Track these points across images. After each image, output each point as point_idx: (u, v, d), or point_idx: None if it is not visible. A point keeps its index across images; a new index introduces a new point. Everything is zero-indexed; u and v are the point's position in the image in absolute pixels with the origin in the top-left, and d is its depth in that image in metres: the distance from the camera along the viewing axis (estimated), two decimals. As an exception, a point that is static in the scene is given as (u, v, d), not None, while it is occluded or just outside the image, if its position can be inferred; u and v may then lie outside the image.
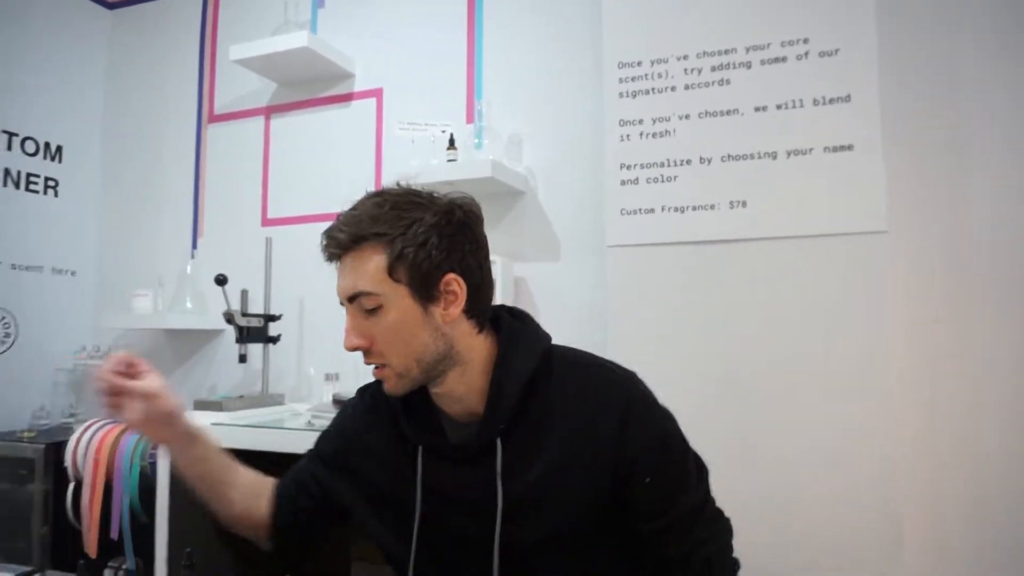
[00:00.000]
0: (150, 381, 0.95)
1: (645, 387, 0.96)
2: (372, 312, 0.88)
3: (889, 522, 1.45)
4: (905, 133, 1.57)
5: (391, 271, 0.86)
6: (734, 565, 0.96)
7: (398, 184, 0.94)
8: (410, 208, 0.88)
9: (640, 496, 0.90)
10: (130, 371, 0.96)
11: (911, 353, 1.52)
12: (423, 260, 0.86)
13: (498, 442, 0.91)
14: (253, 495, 1.06)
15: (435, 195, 0.92)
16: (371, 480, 1.01)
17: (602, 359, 0.99)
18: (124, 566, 2.14)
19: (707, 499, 0.96)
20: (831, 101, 1.61)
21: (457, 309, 0.90)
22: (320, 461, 1.08)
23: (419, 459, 0.96)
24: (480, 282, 0.92)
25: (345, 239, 0.87)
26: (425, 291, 0.88)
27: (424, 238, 0.86)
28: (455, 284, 0.89)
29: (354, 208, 0.90)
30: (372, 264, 0.87)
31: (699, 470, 0.96)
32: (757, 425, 1.58)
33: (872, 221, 1.53)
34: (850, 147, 1.58)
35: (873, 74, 1.57)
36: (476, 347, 0.93)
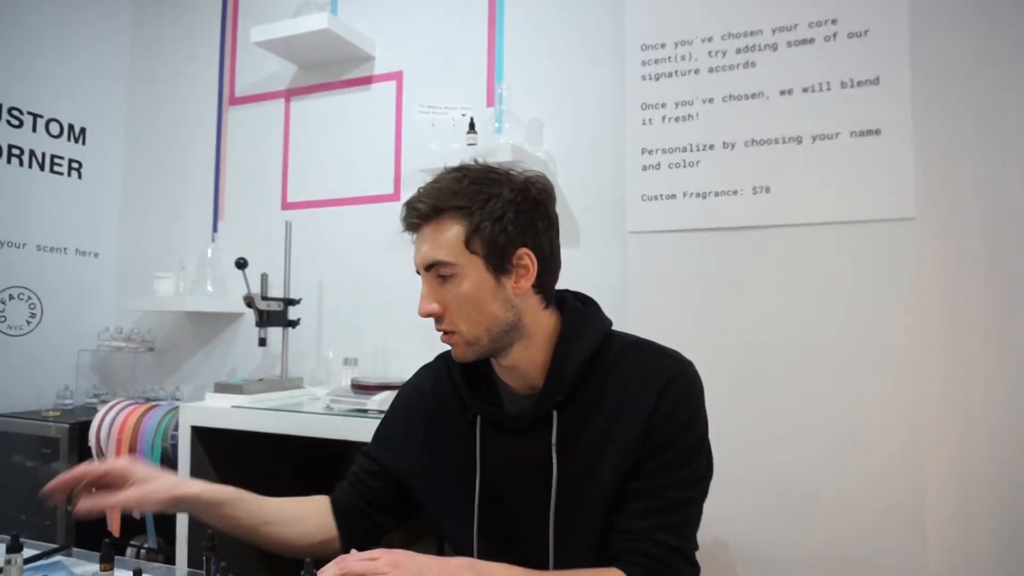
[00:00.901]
0: (128, 494, 0.95)
1: (696, 376, 0.98)
2: (447, 280, 0.92)
3: (912, 512, 1.43)
4: (936, 117, 1.52)
5: (468, 243, 0.90)
6: None
7: (475, 161, 0.97)
8: (489, 183, 0.92)
9: (642, 461, 0.92)
10: (106, 481, 0.96)
11: (940, 342, 1.49)
12: (499, 234, 0.91)
13: (554, 414, 0.95)
14: (298, 519, 1.06)
15: (512, 172, 0.96)
16: (430, 453, 1.05)
17: (664, 346, 1.01)
18: (146, 545, 2.18)
19: (684, 506, 0.92)
20: (859, 84, 1.57)
21: (527, 283, 0.94)
22: (382, 443, 1.11)
23: (477, 429, 1.00)
24: (549, 258, 0.97)
25: (425, 209, 0.91)
26: (499, 263, 0.92)
27: (500, 213, 0.91)
28: (527, 259, 0.93)
29: (436, 181, 0.94)
30: (450, 235, 0.91)
31: (693, 481, 0.94)
32: (779, 413, 1.56)
33: (900, 207, 1.50)
34: (877, 132, 1.54)
35: (904, 56, 1.53)
36: (541, 322, 0.97)
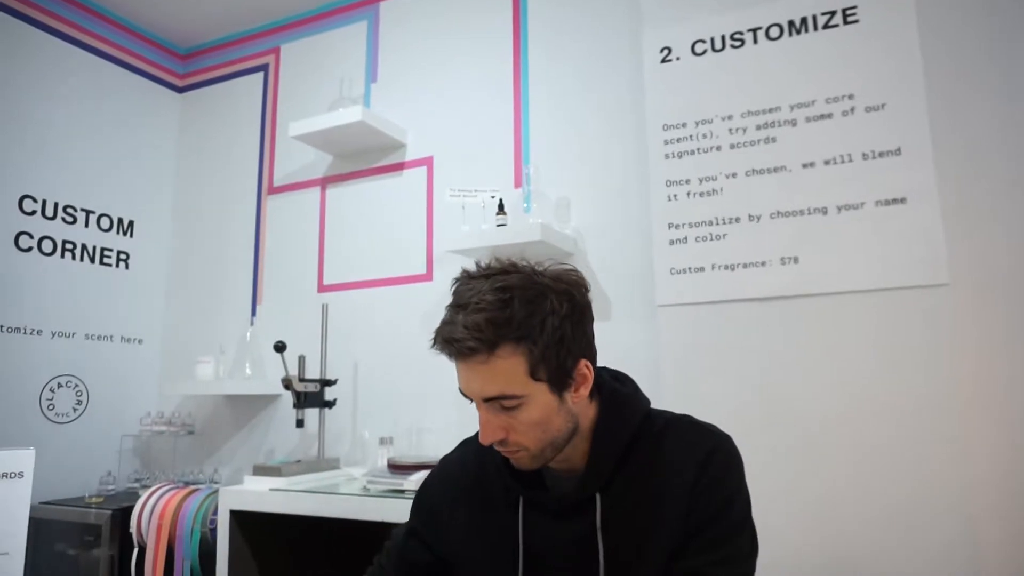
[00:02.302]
0: None
1: (735, 450, 0.97)
2: (510, 409, 0.89)
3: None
4: (962, 182, 1.54)
5: (532, 372, 0.87)
6: None
7: (498, 261, 0.92)
8: (537, 299, 0.88)
9: (687, 540, 0.90)
10: None
11: (980, 405, 1.45)
12: (562, 355, 0.88)
13: (597, 496, 0.94)
14: None
15: (546, 272, 0.92)
16: (471, 534, 1.04)
17: (701, 421, 1.01)
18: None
19: None
20: (881, 155, 1.60)
21: (587, 390, 0.94)
22: (423, 519, 1.11)
23: (520, 511, 0.99)
24: (595, 354, 0.96)
25: (479, 346, 0.85)
26: (562, 383, 0.90)
27: (560, 335, 0.88)
28: (584, 368, 0.92)
29: (475, 300, 0.86)
30: (513, 368, 0.86)
31: (737, 556, 0.92)
32: (820, 481, 1.52)
33: (933, 274, 1.50)
34: (903, 200, 1.56)
35: (924, 125, 1.56)
36: (588, 413, 0.97)
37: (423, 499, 1.13)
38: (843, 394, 1.54)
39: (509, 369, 0.86)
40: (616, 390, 1.00)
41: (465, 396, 0.92)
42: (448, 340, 0.87)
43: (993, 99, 1.58)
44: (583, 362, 0.92)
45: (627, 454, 0.95)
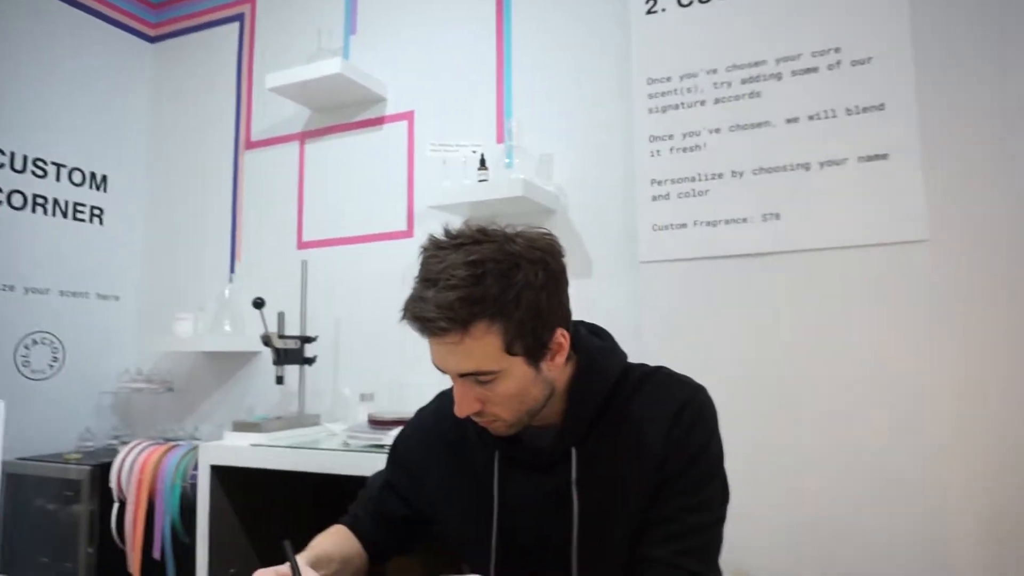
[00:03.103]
0: None
1: (709, 401, 0.97)
2: (485, 383, 0.87)
3: (938, 545, 1.41)
4: (944, 139, 1.53)
5: (508, 348, 0.85)
6: None
7: (469, 227, 0.88)
8: (511, 272, 0.83)
9: (660, 488, 0.91)
10: None
11: (962, 364, 1.47)
12: (538, 328, 0.86)
13: (573, 451, 0.94)
14: (359, 554, 1.07)
15: (519, 239, 0.87)
16: (448, 486, 1.04)
17: (676, 373, 1.01)
18: (166, 587, 2.17)
19: (702, 530, 0.92)
20: (865, 110, 1.59)
21: (563, 357, 0.92)
22: (398, 472, 1.11)
23: (496, 464, 0.99)
24: (571, 319, 0.94)
25: (451, 326, 0.82)
26: (539, 353, 0.88)
27: (536, 308, 0.85)
28: (560, 337, 0.90)
29: (445, 276, 0.82)
30: (487, 345, 0.84)
31: (709, 504, 0.93)
32: (794, 441, 1.55)
33: (912, 230, 1.50)
34: (885, 156, 1.56)
35: (909, 81, 1.55)
36: (564, 373, 0.96)
37: (399, 452, 1.13)
38: (822, 350, 1.56)
39: (483, 346, 0.84)
40: (593, 347, 0.99)
41: (439, 370, 0.90)
42: (418, 318, 0.84)
43: (980, 55, 1.56)
44: (559, 331, 0.90)
45: (603, 409, 0.95)
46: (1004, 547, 1.44)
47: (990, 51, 1.56)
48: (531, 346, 0.86)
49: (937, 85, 1.55)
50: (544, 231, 0.91)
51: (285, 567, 0.86)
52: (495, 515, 0.98)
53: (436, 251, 0.86)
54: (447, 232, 0.88)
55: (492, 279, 0.82)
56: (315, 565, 0.95)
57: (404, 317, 0.86)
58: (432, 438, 1.09)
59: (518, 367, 0.87)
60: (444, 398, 1.13)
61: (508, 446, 0.99)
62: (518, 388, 0.88)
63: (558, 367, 0.92)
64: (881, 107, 1.57)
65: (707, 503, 0.92)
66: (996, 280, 1.50)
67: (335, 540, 1.06)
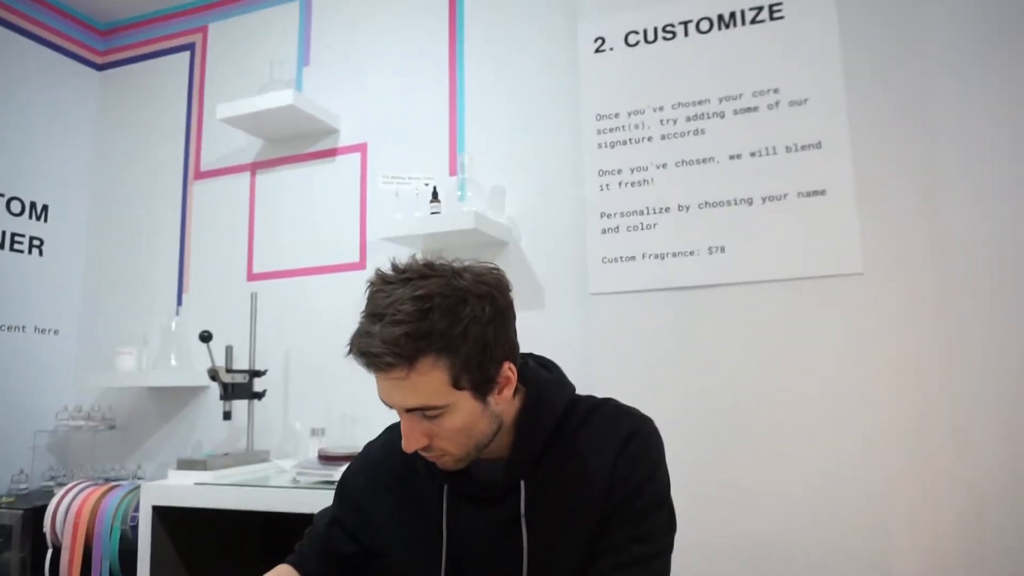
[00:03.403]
0: None
1: (655, 431, 0.98)
2: (432, 418, 0.87)
3: (878, 557, 1.45)
4: (878, 176, 1.61)
5: (455, 383, 0.84)
6: None
7: (416, 262, 0.88)
8: (458, 307, 0.83)
9: (607, 519, 0.91)
10: None
11: (892, 389, 1.53)
12: (485, 363, 0.86)
13: (522, 484, 0.94)
14: None
15: (465, 274, 0.87)
16: (396, 521, 1.03)
17: (623, 404, 1.02)
18: (103, 634, 2.07)
19: (649, 561, 0.92)
20: (803, 148, 1.65)
21: (510, 391, 0.92)
22: (345, 508, 1.09)
23: (444, 499, 0.98)
24: (518, 352, 0.94)
25: (398, 362, 0.81)
26: (486, 388, 0.88)
27: (483, 342, 0.85)
28: (508, 371, 0.90)
29: (391, 312, 0.82)
30: (434, 380, 0.83)
31: (656, 534, 0.94)
32: (742, 464, 1.58)
33: (847, 263, 1.56)
34: (823, 192, 1.62)
35: (842, 121, 1.62)
36: (512, 406, 0.96)
37: (346, 487, 1.11)
38: (765, 380, 1.60)
39: (430, 381, 0.83)
40: (541, 379, 1.00)
41: (386, 404, 0.89)
42: (364, 353, 0.83)
43: (909, 96, 1.65)
44: (506, 364, 0.90)
45: (551, 441, 0.96)
46: (948, 568, 1.48)
47: (920, 92, 1.65)
48: (478, 380, 0.86)
49: (870, 125, 1.63)
50: (492, 266, 0.92)
51: None
52: (444, 549, 0.97)
53: (383, 286, 0.86)
54: (394, 267, 0.88)
55: (439, 314, 0.82)
56: None
57: (350, 352, 0.85)
58: (381, 472, 1.08)
59: (465, 401, 0.87)
60: (392, 432, 1.12)
61: (457, 480, 0.98)
62: (465, 422, 0.88)
63: (506, 400, 0.92)
64: (818, 145, 1.64)
65: (653, 533, 0.93)
66: (925, 312, 1.56)
67: None
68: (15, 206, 2.68)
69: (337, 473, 1.72)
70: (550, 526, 0.93)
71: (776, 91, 1.70)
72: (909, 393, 1.53)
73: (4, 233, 2.63)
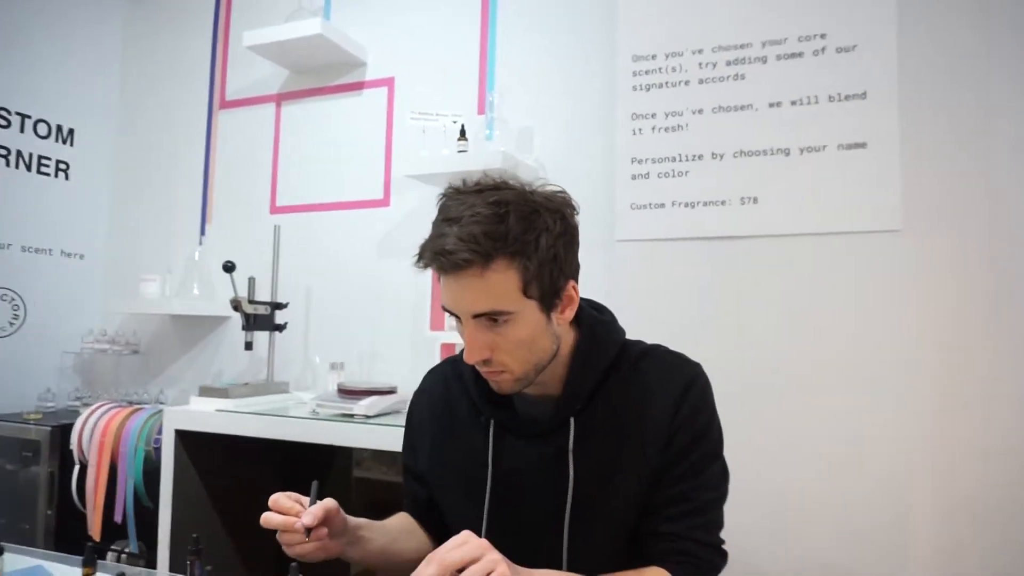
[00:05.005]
0: (310, 514, 0.87)
1: (708, 379, 0.99)
2: (498, 324, 0.87)
3: (898, 534, 1.45)
4: (922, 130, 1.54)
5: (525, 289, 0.85)
6: None
7: (488, 177, 0.90)
8: (531, 215, 0.86)
9: (668, 466, 0.93)
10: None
11: (925, 351, 1.50)
12: (555, 274, 0.87)
13: (571, 420, 0.95)
14: (410, 533, 1.08)
15: (541, 192, 0.90)
16: (440, 458, 1.05)
17: (672, 350, 1.02)
18: (127, 549, 2.15)
19: (713, 505, 0.96)
20: (847, 98, 1.59)
21: (572, 312, 0.93)
22: (407, 450, 1.13)
23: (490, 433, 0.99)
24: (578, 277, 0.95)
25: (474, 258, 0.83)
26: (551, 302, 0.89)
27: (553, 253, 0.86)
28: (572, 290, 0.92)
29: (468, 214, 0.84)
30: (506, 282, 0.84)
31: (718, 479, 0.97)
32: (766, 423, 1.57)
33: (886, 219, 1.52)
34: (864, 145, 1.56)
35: (892, 71, 1.55)
36: (568, 339, 0.97)
37: (407, 427, 1.14)
38: (796, 335, 1.57)
39: (502, 284, 0.84)
40: (594, 319, 1.01)
41: (450, 313, 0.90)
42: (440, 252, 0.84)
43: (964, 48, 1.56)
44: (571, 283, 0.92)
45: (603, 380, 0.96)
46: (962, 535, 1.48)
47: (975, 44, 1.56)
48: (546, 291, 0.87)
49: (919, 76, 1.55)
50: (559, 188, 0.93)
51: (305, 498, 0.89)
52: (488, 482, 0.98)
53: (457, 195, 0.88)
54: (465, 182, 0.90)
55: (514, 219, 0.84)
56: (365, 528, 0.97)
57: (421, 257, 0.87)
58: (434, 403, 1.10)
59: (531, 311, 0.88)
60: (445, 364, 1.14)
61: (504, 414, 0.99)
62: (529, 334, 0.88)
63: (566, 321, 0.94)
64: (863, 95, 1.57)
65: (715, 479, 0.95)
66: (967, 272, 1.51)
67: (398, 519, 1.09)
68: (41, 128, 2.67)
69: (356, 407, 1.75)
70: (598, 464, 0.94)
71: (823, 36, 1.62)
72: (943, 355, 1.50)
73: (31, 155, 2.64)
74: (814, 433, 1.54)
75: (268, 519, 0.87)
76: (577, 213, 0.93)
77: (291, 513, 0.86)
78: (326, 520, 0.87)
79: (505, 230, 0.83)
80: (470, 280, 0.84)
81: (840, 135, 1.58)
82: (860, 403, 1.51)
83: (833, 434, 1.52)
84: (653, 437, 0.93)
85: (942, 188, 1.54)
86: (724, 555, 0.96)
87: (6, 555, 0.87)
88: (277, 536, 0.87)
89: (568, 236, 0.90)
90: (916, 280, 1.50)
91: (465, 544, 0.76)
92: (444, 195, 0.90)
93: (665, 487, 0.92)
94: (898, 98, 1.54)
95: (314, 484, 0.90)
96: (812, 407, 1.54)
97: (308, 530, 0.84)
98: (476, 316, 0.87)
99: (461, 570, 0.74)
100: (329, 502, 0.88)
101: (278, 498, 0.89)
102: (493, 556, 0.75)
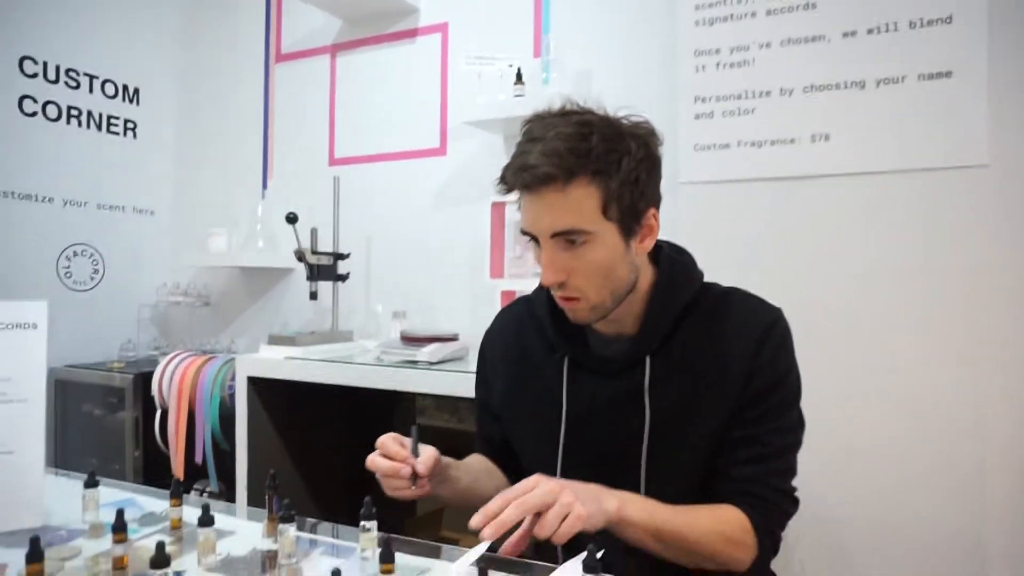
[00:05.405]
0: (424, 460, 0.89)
1: (787, 324, 0.97)
2: (576, 246, 0.87)
3: (974, 488, 1.40)
4: (1012, 57, 1.43)
5: (605, 210, 0.85)
6: (776, 536, 0.94)
7: (572, 103, 0.90)
8: (616, 139, 0.85)
9: (744, 407, 0.92)
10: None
11: (1012, 295, 1.42)
12: (635, 198, 0.87)
13: (647, 358, 0.94)
14: (491, 472, 1.10)
15: (624, 121, 0.89)
16: (514, 395, 1.06)
17: (752, 293, 1.00)
18: (208, 488, 2.27)
19: (789, 451, 0.95)
20: (930, 23, 1.48)
21: (651, 241, 0.93)
22: (481, 385, 1.14)
23: (564, 370, 0.99)
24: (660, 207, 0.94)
25: (556, 172, 0.82)
26: (631, 227, 0.89)
27: (635, 176, 0.86)
28: (653, 219, 0.91)
29: (551, 134, 0.84)
30: (586, 201, 0.84)
31: (795, 426, 0.96)
32: (837, 372, 1.52)
33: (971, 154, 1.42)
34: (948, 74, 1.46)
35: (981, -9, 1.43)
36: (646, 274, 0.96)
37: (479, 364, 1.15)
38: (872, 277, 1.51)
39: (582, 201, 0.84)
40: (675, 258, 0.99)
41: (528, 235, 0.90)
42: (523, 168, 0.84)
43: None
44: (652, 211, 0.91)
45: (681, 320, 0.95)
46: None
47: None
48: (626, 214, 0.87)
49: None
50: (644, 118, 0.92)
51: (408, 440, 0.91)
52: (563, 419, 0.99)
53: (541, 119, 0.88)
54: (549, 109, 0.90)
55: (598, 139, 0.84)
56: (453, 467, 0.98)
57: (503, 179, 0.87)
58: (504, 340, 1.10)
59: (610, 234, 0.87)
60: (519, 303, 1.14)
61: (579, 351, 0.99)
62: (607, 258, 0.88)
63: (644, 252, 0.93)
64: (948, 20, 1.46)
65: (792, 425, 0.94)
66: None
67: (476, 459, 1.10)
68: (109, 88, 2.75)
69: (419, 353, 1.78)
70: (674, 402, 0.93)
71: (904, -43, 1.51)
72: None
73: (101, 115, 2.72)
74: (887, 381, 1.48)
75: (376, 463, 0.88)
76: (661, 143, 0.92)
77: (398, 458, 0.88)
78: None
79: (588, 148, 0.83)
80: (551, 196, 0.84)
81: (922, 64, 1.48)
82: (937, 351, 1.44)
83: (907, 382, 1.47)
84: (731, 379, 0.91)
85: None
86: (796, 502, 0.95)
87: (101, 488, 0.92)
88: (379, 478, 0.89)
89: (650, 162, 0.88)
90: (1004, 219, 1.41)
91: (537, 487, 0.77)
92: (527, 121, 0.89)
93: (741, 427, 0.91)
94: (988, 22, 1.43)
95: (414, 428, 0.92)
96: (887, 355, 1.49)
97: (414, 476, 0.86)
98: (555, 235, 0.86)
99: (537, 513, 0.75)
100: (433, 451, 0.90)
101: (386, 441, 0.90)
102: (566, 500, 0.75)
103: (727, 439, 0.92)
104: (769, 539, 0.91)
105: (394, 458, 0.88)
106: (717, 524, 0.88)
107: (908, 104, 1.49)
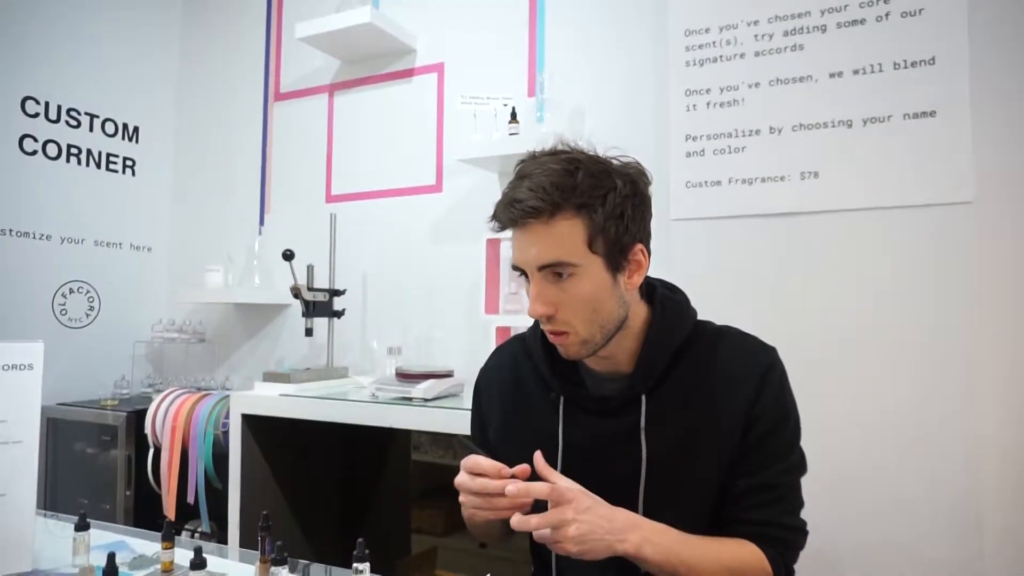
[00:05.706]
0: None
1: (783, 364, 0.99)
2: (563, 279, 0.89)
3: (969, 514, 1.39)
4: (996, 97, 1.46)
5: (590, 243, 0.87)
6: (791, 572, 0.96)
7: (563, 143, 0.93)
8: (603, 176, 0.88)
9: (746, 452, 0.93)
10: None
11: (998, 331, 1.43)
12: (622, 233, 0.89)
13: (643, 397, 0.95)
14: None
15: (613, 160, 0.92)
16: (510, 435, 1.06)
17: (746, 332, 1.02)
18: (200, 529, 2.24)
19: (798, 488, 0.97)
20: (914, 65, 1.52)
21: (640, 278, 0.94)
22: (474, 426, 1.15)
23: (560, 410, 1.00)
24: (650, 248, 0.96)
25: (541, 206, 0.85)
26: (617, 261, 0.90)
27: (620, 211, 0.88)
28: (640, 254, 0.93)
29: (540, 171, 0.87)
30: (572, 234, 0.87)
31: (800, 461, 0.97)
32: (830, 405, 1.52)
33: (955, 191, 1.45)
34: (933, 113, 1.49)
35: (962, 34, 1.47)
36: (639, 313, 0.97)
37: (475, 402, 1.15)
38: (859, 314, 1.52)
39: (568, 234, 0.86)
40: (667, 297, 1.00)
41: (518, 270, 0.92)
42: (511, 203, 0.87)
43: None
44: (639, 246, 0.92)
45: (676, 359, 0.96)
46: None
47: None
48: (612, 249, 0.89)
49: (992, 39, 1.47)
50: (633, 159, 0.94)
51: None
52: (560, 458, 0.99)
53: (532, 159, 0.91)
54: (542, 149, 0.93)
55: (584, 175, 0.87)
56: None
57: (494, 215, 0.90)
58: (499, 380, 1.11)
59: (596, 268, 0.89)
60: (513, 341, 1.14)
61: (574, 390, 1.00)
62: (594, 291, 0.89)
63: (634, 288, 0.94)
64: (931, 61, 1.50)
65: (797, 463, 0.96)
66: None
67: None
68: (109, 127, 2.79)
69: (414, 390, 1.78)
70: (672, 443, 0.93)
71: (886, 1, 1.55)
72: (1017, 331, 1.43)
73: (100, 153, 2.75)
74: (881, 413, 1.49)
75: (485, 485, 0.84)
76: (650, 183, 0.94)
77: (495, 474, 0.85)
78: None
79: (574, 183, 0.86)
80: (538, 229, 0.87)
81: (907, 104, 1.52)
82: (929, 382, 1.45)
83: (901, 412, 1.47)
84: (731, 423, 0.93)
85: (1017, 157, 1.46)
86: (806, 534, 0.97)
87: (91, 530, 0.92)
88: (466, 499, 0.88)
89: (638, 199, 0.90)
90: (989, 254, 1.43)
91: (561, 507, 0.82)
92: (521, 160, 0.92)
93: (750, 474, 0.93)
94: (969, 62, 1.47)
95: (469, 442, 0.93)
96: (879, 387, 1.49)
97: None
98: (542, 268, 0.88)
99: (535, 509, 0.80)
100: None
101: (478, 460, 0.87)
102: (568, 533, 0.81)
103: (736, 485, 0.93)
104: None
105: (491, 475, 0.85)
106: (737, 563, 0.89)
107: (895, 142, 1.52)
